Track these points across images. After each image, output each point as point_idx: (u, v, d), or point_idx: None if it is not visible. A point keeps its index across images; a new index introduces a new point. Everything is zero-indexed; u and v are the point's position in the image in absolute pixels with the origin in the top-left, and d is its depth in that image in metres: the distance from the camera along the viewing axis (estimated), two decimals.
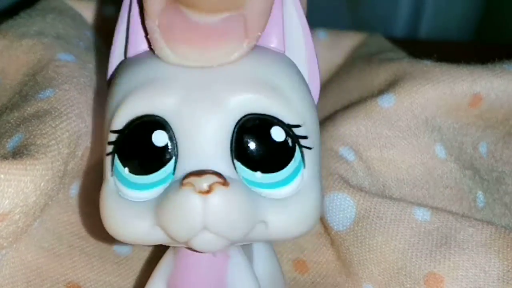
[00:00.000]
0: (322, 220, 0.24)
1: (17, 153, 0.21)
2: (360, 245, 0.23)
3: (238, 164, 0.18)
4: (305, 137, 0.18)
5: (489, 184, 0.27)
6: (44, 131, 0.21)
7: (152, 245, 0.24)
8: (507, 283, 0.21)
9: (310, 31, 0.20)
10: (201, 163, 0.17)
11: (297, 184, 0.18)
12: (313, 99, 0.20)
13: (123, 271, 0.24)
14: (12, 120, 0.23)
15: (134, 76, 0.18)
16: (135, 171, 0.18)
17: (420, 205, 0.24)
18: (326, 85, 0.31)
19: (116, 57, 0.20)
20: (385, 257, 0.23)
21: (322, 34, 0.33)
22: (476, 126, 0.27)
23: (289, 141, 0.18)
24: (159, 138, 0.17)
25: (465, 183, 0.26)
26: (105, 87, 0.25)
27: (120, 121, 0.18)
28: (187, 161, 0.17)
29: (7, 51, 0.26)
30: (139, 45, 0.19)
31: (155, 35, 0.18)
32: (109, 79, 0.20)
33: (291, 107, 0.18)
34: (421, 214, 0.23)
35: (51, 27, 0.27)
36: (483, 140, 0.27)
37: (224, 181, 0.17)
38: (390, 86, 0.27)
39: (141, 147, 0.18)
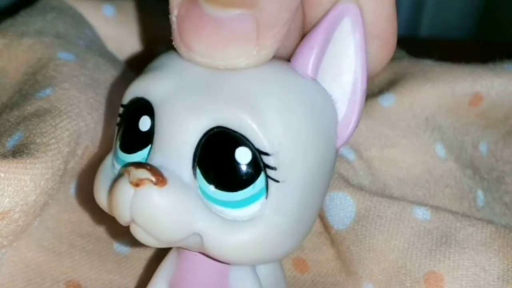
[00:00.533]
0: (322, 219, 0.24)
1: (17, 152, 0.20)
2: (360, 244, 0.23)
3: (198, 171, 0.17)
4: (273, 168, 0.17)
5: (489, 184, 0.27)
6: (44, 130, 0.21)
7: None
8: (507, 282, 0.21)
9: None
10: (167, 158, 0.17)
11: (253, 211, 0.17)
12: (319, 133, 0.18)
13: (124, 270, 0.24)
14: (12, 119, 0.23)
15: (154, 62, 0.19)
16: (121, 146, 0.18)
17: (420, 204, 0.24)
18: None
19: None
20: (385, 256, 0.23)
21: None
22: (477, 125, 0.27)
23: (253, 166, 0.17)
24: (144, 123, 0.18)
25: (465, 182, 0.26)
26: (106, 86, 0.25)
27: (126, 96, 0.18)
28: (157, 153, 0.17)
29: (7, 50, 0.26)
30: None
31: (173, 26, 0.18)
32: None
33: (267, 133, 0.17)
34: (421, 213, 0.23)
35: (51, 26, 0.27)
36: (483, 139, 0.27)
37: (159, 181, 0.16)
38: (390, 85, 0.27)
39: (129, 127, 0.18)
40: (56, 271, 0.23)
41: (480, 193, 0.26)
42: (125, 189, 0.17)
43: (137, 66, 0.27)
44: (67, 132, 0.22)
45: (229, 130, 0.17)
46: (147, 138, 0.18)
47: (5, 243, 0.21)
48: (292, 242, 0.18)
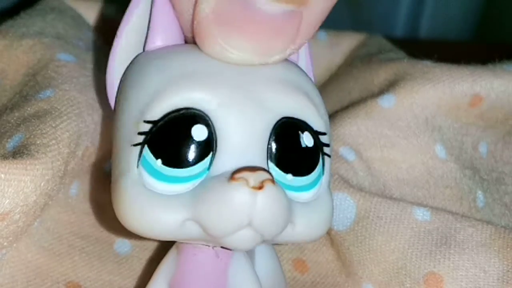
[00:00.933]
0: None
1: (17, 153, 0.20)
2: (360, 245, 0.23)
3: (271, 165, 0.18)
4: (327, 145, 0.19)
5: (489, 184, 0.27)
6: (44, 131, 0.21)
7: (158, 242, 0.24)
8: (507, 283, 0.21)
9: None
10: (239, 160, 0.17)
11: (318, 190, 0.19)
12: None
13: (124, 270, 0.24)
14: (12, 120, 0.23)
15: (171, 67, 0.18)
16: (170, 163, 0.17)
17: (420, 205, 0.24)
18: (326, 85, 0.31)
19: (124, 49, 0.20)
20: (385, 257, 0.23)
21: (322, 34, 0.33)
22: (476, 126, 0.27)
23: (316, 147, 0.18)
24: (199, 132, 0.17)
25: (465, 183, 0.26)
26: (105, 86, 0.25)
27: (156, 111, 0.18)
28: (225, 158, 0.17)
29: (7, 51, 0.25)
30: (170, 36, 0.19)
31: (202, 19, 0.17)
32: (124, 73, 0.20)
33: (320, 115, 0.19)
34: (421, 214, 0.23)
35: (51, 27, 0.27)
36: (483, 140, 0.27)
37: (273, 179, 0.17)
38: (390, 86, 0.27)
39: (180, 140, 0.18)
40: (56, 272, 0.23)
41: (480, 194, 0.26)
42: (245, 195, 0.16)
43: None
44: (67, 133, 0.22)
45: (292, 118, 0.18)
46: (206, 147, 0.17)
47: (5, 244, 0.21)
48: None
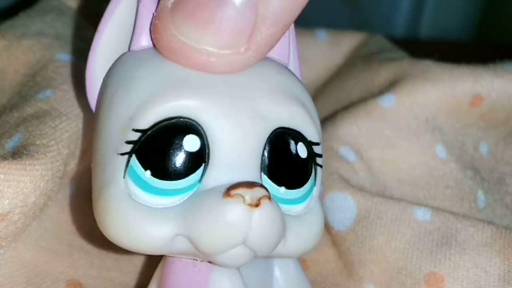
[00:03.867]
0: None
1: (17, 153, 0.20)
2: (360, 245, 0.23)
3: (264, 177, 0.17)
4: (320, 156, 0.18)
5: (489, 185, 0.27)
6: (43, 132, 0.21)
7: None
8: (508, 283, 0.21)
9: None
10: (232, 173, 0.17)
11: (309, 202, 0.18)
12: None
13: (124, 267, 0.24)
14: (11, 121, 0.23)
15: (162, 73, 0.17)
16: (160, 175, 0.17)
17: (420, 205, 0.24)
18: (326, 85, 0.31)
19: (107, 46, 0.19)
20: (385, 257, 0.23)
21: (322, 34, 0.33)
22: (477, 126, 0.27)
23: (310, 158, 0.18)
24: (191, 143, 0.17)
25: (466, 183, 0.26)
26: None
27: (146, 120, 0.17)
28: (217, 170, 0.17)
29: (6, 51, 0.25)
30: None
31: (162, 13, 0.17)
32: (108, 74, 0.19)
33: (314, 125, 0.18)
34: (422, 214, 0.23)
35: (50, 28, 0.27)
36: (484, 140, 0.27)
37: (270, 195, 0.16)
38: (390, 86, 0.27)
39: (171, 150, 0.17)
40: (56, 270, 0.23)
41: (480, 194, 0.26)
42: (241, 213, 0.16)
43: None
44: (66, 133, 0.22)
45: (288, 129, 0.17)
46: (198, 159, 0.17)
47: (3, 244, 0.21)
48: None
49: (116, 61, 0.19)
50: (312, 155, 0.18)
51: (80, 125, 0.23)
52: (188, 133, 0.17)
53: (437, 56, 0.28)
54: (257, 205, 0.16)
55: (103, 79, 0.19)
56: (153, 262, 0.20)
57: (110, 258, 0.24)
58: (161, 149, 0.17)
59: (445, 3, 0.54)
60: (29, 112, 0.22)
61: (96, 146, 0.18)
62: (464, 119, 0.27)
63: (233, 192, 0.16)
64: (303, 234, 0.18)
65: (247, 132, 0.17)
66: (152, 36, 0.17)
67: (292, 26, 0.19)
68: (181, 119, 0.17)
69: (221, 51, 0.17)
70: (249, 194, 0.16)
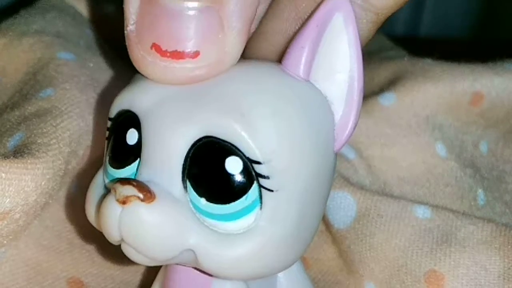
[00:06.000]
0: (324, 218, 0.24)
1: (18, 152, 0.20)
2: (361, 243, 0.23)
3: (188, 184, 0.16)
4: (266, 177, 0.16)
5: (489, 183, 0.27)
6: (45, 130, 0.21)
7: None
8: (508, 280, 0.21)
9: None
10: (157, 171, 0.16)
11: (247, 223, 0.16)
12: (315, 137, 0.17)
13: (125, 265, 0.24)
14: (13, 119, 0.23)
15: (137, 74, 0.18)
16: (110, 161, 0.18)
17: (420, 203, 0.24)
18: None
19: None
20: (385, 255, 0.23)
21: None
22: (477, 124, 0.27)
23: (244, 176, 0.16)
24: (131, 136, 0.17)
25: (466, 181, 0.26)
26: (106, 85, 0.25)
27: (113, 109, 0.18)
28: (146, 167, 0.17)
29: (7, 50, 0.25)
30: None
31: (130, 33, 0.17)
32: None
33: (258, 142, 0.16)
34: (422, 212, 0.23)
35: (51, 26, 0.27)
36: (483, 138, 0.27)
37: (146, 197, 0.16)
38: (390, 84, 0.27)
39: (117, 141, 0.17)
40: (57, 268, 0.23)
41: (480, 192, 0.26)
42: (112, 207, 0.16)
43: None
44: (68, 132, 0.22)
45: (218, 139, 0.16)
46: (135, 152, 0.17)
47: (5, 242, 0.21)
48: (292, 253, 0.17)
49: None
50: (250, 174, 0.16)
51: (82, 124, 0.23)
52: (131, 127, 0.17)
53: (437, 54, 0.28)
54: (124, 202, 0.16)
55: None
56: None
57: (111, 255, 0.24)
58: (114, 138, 0.18)
59: (445, 1, 0.54)
60: (30, 111, 0.22)
61: None
62: (464, 117, 0.27)
63: (112, 186, 0.16)
64: (223, 255, 0.16)
65: (171, 133, 0.16)
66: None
67: (352, 41, 0.18)
68: (130, 113, 0.17)
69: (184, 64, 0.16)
70: (119, 190, 0.16)
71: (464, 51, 0.29)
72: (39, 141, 0.21)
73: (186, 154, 0.16)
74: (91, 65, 0.25)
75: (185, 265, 0.18)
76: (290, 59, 0.17)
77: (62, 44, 0.26)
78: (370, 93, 0.27)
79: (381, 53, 0.31)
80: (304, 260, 0.24)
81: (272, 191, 0.16)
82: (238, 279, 0.17)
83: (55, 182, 0.21)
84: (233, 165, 0.16)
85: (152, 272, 0.20)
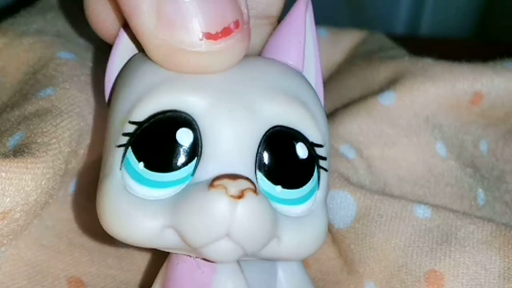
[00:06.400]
0: None
1: (18, 152, 0.20)
2: (361, 243, 0.23)
3: (259, 175, 0.17)
4: (324, 158, 0.18)
5: (489, 182, 0.27)
6: (45, 130, 0.21)
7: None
8: (508, 280, 0.21)
9: None
10: (224, 168, 0.17)
11: (311, 204, 0.18)
12: None
13: (125, 264, 0.24)
14: (13, 119, 0.23)
15: (160, 70, 0.18)
16: (153, 167, 0.17)
17: (421, 202, 0.24)
18: (326, 83, 0.31)
19: (123, 49, 0.19)
20: (386, 255, 0.23)
21: (322, 31, 0.33)
22: (477, 124, 0.27)
23: (310, 159, 0.18)
24: (185, 136, 0.17)
25: (466, 181, 0.26)
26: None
27: (142, 112, 0.17)
28: (210, 164, 0.17)
29: (7, 49, 0.25)
30: None
31: (165, 43, 0.17)
32: (120, 71, 0.19)
33: (317, 126, 0.18)
34: (422, 212, 0.23)
35: (51, 25, 0.27)
36: (484, 138, 0.27)
37: (256, 189, 0.16)
38: (390, 84, 0.27)
39: (163, 143, 0.17)
40: (57, 268, 0.23)
41: (480, 192, 0.26)
42: (223, 204, 0.16)
43: None
44: (68, 131, 0.22)
45: (285, 128, 0.17)
46: (190, 152, 0.17)
47: (5, 242, 0.21)
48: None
49: (127, 61, 0.19)
50: (314, 157, 0.18)
51: (82, 123, 0.23)
52: (182, 126, 0.17)
53: (437, 54, 0.28)
54: (240, 196, 0.16)
55: (116, 78, 0.19)
56: (155, 261, 0.20)
57: (111, 255, 0.24)
58: (155, 141, 0.17)
59: (445, 1, 0.54)
60: (30, 110, 0.22)
61: (104, 141, 0.19)
62: (464, 117, 0.27)
63: (216, 183, 0.16)
64: (300, 237, 0.17)
65: (240, 128, 0.17)
66: (151, 56, 0.18)
67: (315, 35, 0.20)
68: (175, 113, 0.17)
69: (211, 46, 0.17)
70: (233, 185, 0.16)
71: (464, 50, 0.29)
72: (39, 141, 0.21)
73: (258, 147, 0.17)
74: (91, 64, 0.25)
75: (178, 263, 0.18)
76: (291, 53, 0.19)
77: (62, 43, 0.26)
78: (370, 93, 0.27)
79: (381, 53, 0.31)
80: (304, 261, 0.24)
81: (326, 170, 0.18)
82: (305, 258, 0.19)
83: (55, 181, 0.21)
84: (302, 150, 0.17)
85: (152, 271, 0.20)
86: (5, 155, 0.20)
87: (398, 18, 0.54)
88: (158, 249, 0.18)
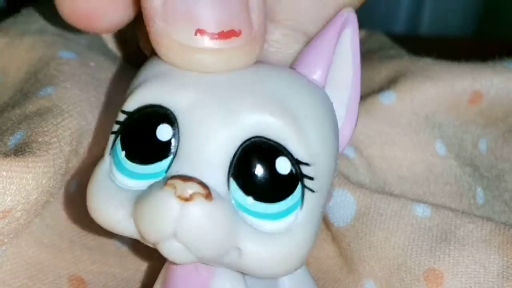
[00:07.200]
0: (324, 217, 0.24)
1: (19, 151, 0.21)
2: (360, 241, 0.23)
3: (233, 183, 0.16)
4: (310, 178, 0.17)
5: (489, 181, 0.27)
6: (45, 129, 0.21)
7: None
8: (507, 279, 0.21)
9: None
10: (197, 169, 0.16)
11: (288, 223, 0.17)
12: (336, 143, 0.18)
13: (125, 263, 0.24)
14: (14, 118, 0.23)
15: (156, 64, 0.18)
16: (132, 157, 0.17)
17: (420, 201, 0.24)
18: None
19: None
20: (385, 253, 0.23)
21: None
22: (476, 123, 0.27)
23: (292, 176, 0.17)
24: (164, 132, 0.17)
25: (465, 180, 0.26)
26: (107, 84, 0.25)
27: (133, 103, 0.17)
28: (184, 164, 0.17)
29: (8, 49, 0.26)
30: None
31: (162, 31, 0.17)
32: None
33: (305, 143, 0.17)
34: (421, 211, 0.23)
35: (52, 25, 0.27)
36: (483, 137, 0.27)
37: (208, 194, 0.16)
38: (390, 83, 0.27)
39: (143, 135, 0.17)
40: (58, 266, 0.23)
41: (479, 191, 0.26)
42: (171, 203, 0.16)
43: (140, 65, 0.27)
44: (68, 131, 0.22)
45: (267, 139, 0.17)
46: (167, 148, 0.17)
47: (6, 240, 0.21)
48: (311, 250, 0.18)
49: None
50: (297, 175, 0.17)
51: (82, 123, 0.23)
52: (162, 122, 0.17)
53: (437, 53, 0.28)
54: (188, 199, 0.15)
55: None
56: (156, 259, 0.20)
57: (112, 254, 0.24)
58: (137, 133, 0.17)
59: (445, 1, 0.54)
60: (31, 110, 0.23)
61: None
62: (463, 116, 0.27)
63: (169, 182, 0.16)
64: (266, 254, 0.16)
65: (216, 132, 0.16)
66: (157, 52, 0.17)
67: (356, 51, 0.19)
68: (160, 108, 0.17)
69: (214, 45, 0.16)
70: (182, 187, 0.16)
71: (463, 50, 0.29)
72: (40, 140, 0.21)
73: (234, 154, 0.16)
74: (92, 64, 0.25)
75: (186, 267, 0.18)
76: (313, 66, 0.18)
77: (63, 43, 0.26)
78: (370, 92, 0.27)
79: (381, 52, 0.31)
80: None
81: (313, 191, 0.17)
82: (273, 277, 0.18)
83: (56, 180, 0.21)
84: (283, 165, 0.17)
85: (152, 270, 0.20)
86: (6, 154, 0.20)
87: (398, 18, 0.54)
88: (130, 237, 0.18)
